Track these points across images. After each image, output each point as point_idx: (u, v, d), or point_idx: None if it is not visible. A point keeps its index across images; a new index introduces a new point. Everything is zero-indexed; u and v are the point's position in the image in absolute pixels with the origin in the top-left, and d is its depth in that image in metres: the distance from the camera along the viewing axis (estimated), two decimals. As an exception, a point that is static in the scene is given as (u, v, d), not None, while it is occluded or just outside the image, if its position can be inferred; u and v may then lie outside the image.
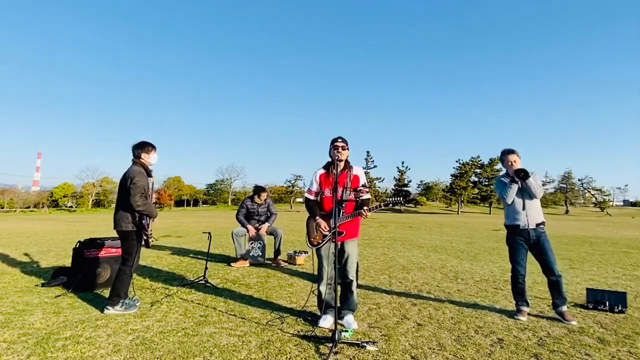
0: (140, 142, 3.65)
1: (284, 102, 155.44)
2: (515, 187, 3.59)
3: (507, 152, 3.67)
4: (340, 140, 3.17)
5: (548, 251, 3.50)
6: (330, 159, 3.32)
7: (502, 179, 3.74)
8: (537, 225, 3.53)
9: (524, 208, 3.55)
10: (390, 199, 3.37)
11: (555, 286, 3.48)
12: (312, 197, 3.35)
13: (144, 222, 3.46)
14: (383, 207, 3.28)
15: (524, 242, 3.57)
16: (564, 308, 3.44)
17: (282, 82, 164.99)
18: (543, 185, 3.89)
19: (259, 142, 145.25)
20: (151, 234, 3.56)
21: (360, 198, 3.15)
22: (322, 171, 3.35)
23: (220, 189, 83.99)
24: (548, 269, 3.50)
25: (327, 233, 3.17)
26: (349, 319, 3.19)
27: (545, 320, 3.41)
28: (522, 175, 3.48)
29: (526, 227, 3.53)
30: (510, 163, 3.63)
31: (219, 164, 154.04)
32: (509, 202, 3.63)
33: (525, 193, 3.58)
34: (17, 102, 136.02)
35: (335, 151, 3.15)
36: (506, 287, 4.67)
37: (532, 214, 3.54)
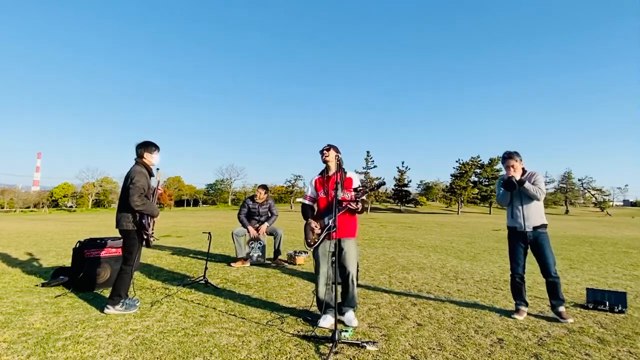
0: (143, 142, 3.64)
1: (284, 102, 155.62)
2: (506, 194, 3.59)
3: (505, 157, 3.63)
4: (326, 146, 3.40)
5: (546, 252, 3.46)
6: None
7: (501, 181, 3.73)
8: (535, 228, 3.49)
9: (520, 211, 3.53)
10: (369, 186, 3.37)
11: (552, 287, 3.47)
12: (307, 203, 3.47)
13: (144, 221, 3.46)
14: (367, 193, 3.18)
15: (522, 243, 3.56)
16: (562, 308, 3.44)
17: (282, 82, 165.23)
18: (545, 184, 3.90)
19: (259, 142, 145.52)
20: (152, 233, 3.57)
21: (359, 198, 3.19)
22: (318, 177, 3.46)
23: (220, 189, 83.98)
24: (545, 270, 3.49)
25: (319, 231, 3.24)
26: (350, 315, 3.20)
27: (545, 320, 3.40)
28: (511, 187, 3.47)
29: (522, 230, 3.51)
30: (508, 167, 3.58)
31: (219, 164, 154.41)
32: (503, 205, 3.67)
33: (524, 196, 3.54)
34: (17, 102, 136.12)
35: (322, 156, 3.39)
36: (506, 287, 4.67)
37: (529, 217, 3.50)
